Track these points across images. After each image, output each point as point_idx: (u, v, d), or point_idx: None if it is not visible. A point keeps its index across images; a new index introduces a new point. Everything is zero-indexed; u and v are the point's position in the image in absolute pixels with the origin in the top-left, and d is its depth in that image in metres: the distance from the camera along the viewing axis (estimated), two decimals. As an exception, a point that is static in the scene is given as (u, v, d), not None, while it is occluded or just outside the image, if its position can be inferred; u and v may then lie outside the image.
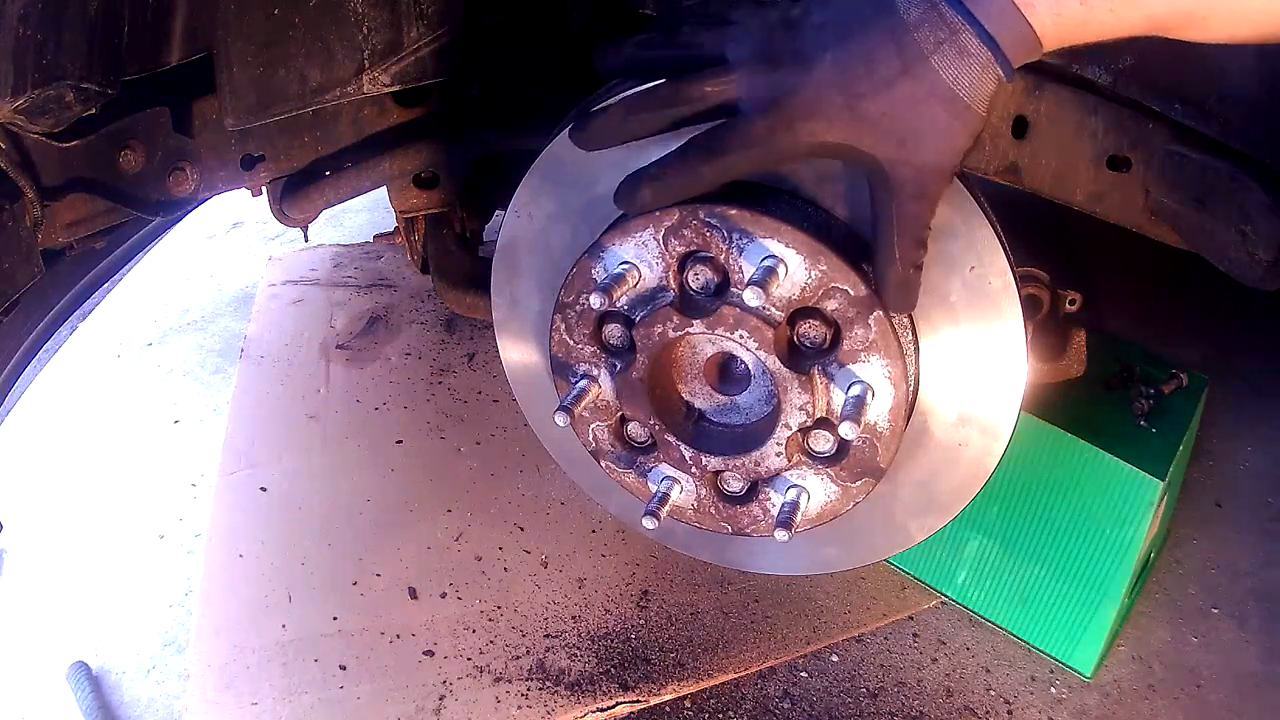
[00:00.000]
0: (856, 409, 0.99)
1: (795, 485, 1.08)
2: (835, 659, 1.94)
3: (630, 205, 0.98)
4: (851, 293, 0.97)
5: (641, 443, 1.14)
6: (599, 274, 1.05)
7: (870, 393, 1.00)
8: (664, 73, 0.96)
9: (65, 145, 1.19)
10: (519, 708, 1.84)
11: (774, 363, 1.01)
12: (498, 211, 1.82)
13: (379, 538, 2.16)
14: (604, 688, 1.88)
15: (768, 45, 0.90)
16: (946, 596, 2.04)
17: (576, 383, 1.11)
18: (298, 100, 1.37)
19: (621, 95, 0.99)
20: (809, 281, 0.97)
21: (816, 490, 1.08)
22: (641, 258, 1.02)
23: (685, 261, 1.01)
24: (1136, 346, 1.96)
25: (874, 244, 0.93)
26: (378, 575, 2.08)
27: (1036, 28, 0.82)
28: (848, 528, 1.15)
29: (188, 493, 2.33)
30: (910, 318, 1.04)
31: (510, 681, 1.88)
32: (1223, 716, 1.83)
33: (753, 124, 0.89)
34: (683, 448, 1.11)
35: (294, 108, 1.38)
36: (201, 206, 1.55)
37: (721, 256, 0.99)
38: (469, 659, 1.92)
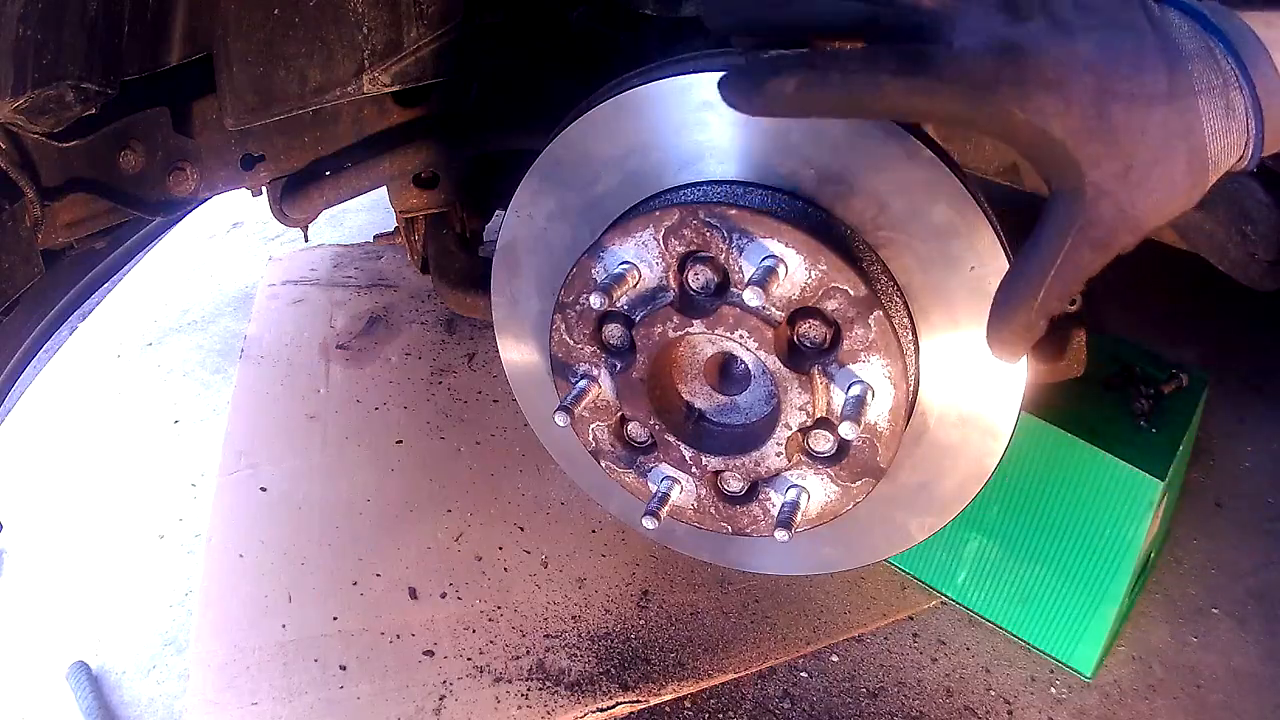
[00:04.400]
0: (856, 409, 0.99)
1: (795, 485, 1.08)
2: (835, 659, 1.94)
3: (758, 101, 0.74)
4: (851, 293, 0.97)
5: (641, 443, 1.14)
6: (599, 274, 1.04)
7: (870, 393, 1.00)
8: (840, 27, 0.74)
9: (65, 145, 1.19)
10: (519, 708, 1.84)
11: (774, 363, 1.01)
12: (498, 211, 1.82)
13: (379, 538, 2.16)
14: (604, 688, 1.88)
15: None
16: (946, 596, 2.04)
17: (576, 383, 1.11)
18: (298, 100, 1.37)
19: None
20: (809, 281, 0.97)
21: (816, 490, 1.08)
22: (641, 258, 1.02)
23: (685, 261, 1.01)
24: (1136, 346, 1.96)
25: (1017, 270, 0.77)
26: (378, 575, 2.08)
27: None
28: (848, 528, 1.15)
29: (188, 493, 2.33)
30: (910, 318, 1.04)
31: (510, 681, 1.88)
32: (1223, 716, 1.83)
33: (979, 60, 0.69)
34: (683, 448, 1.11)
35: (294, 108, 1.37)
36: (201, 206, 1.56)
37: (721, 256, 0.99)
38: (469, 659, 1.92)
